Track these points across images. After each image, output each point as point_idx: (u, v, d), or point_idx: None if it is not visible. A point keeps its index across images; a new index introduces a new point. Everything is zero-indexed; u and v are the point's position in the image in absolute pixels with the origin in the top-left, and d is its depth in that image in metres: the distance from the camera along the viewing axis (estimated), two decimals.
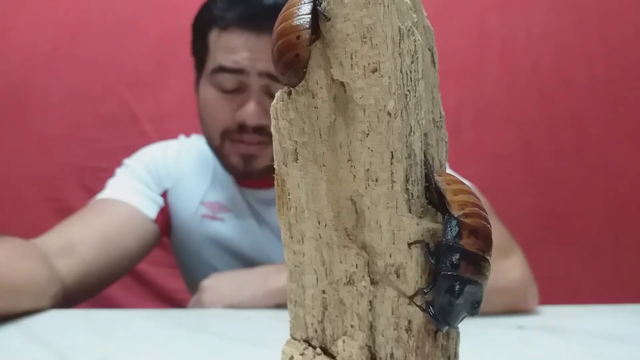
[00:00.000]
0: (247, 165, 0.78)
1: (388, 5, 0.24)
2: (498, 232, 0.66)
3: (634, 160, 1.31)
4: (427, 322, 0.26)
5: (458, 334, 0.28)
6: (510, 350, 0.50)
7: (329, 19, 0.24)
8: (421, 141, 0.27)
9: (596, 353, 0.49)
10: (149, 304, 1.20)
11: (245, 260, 0.83)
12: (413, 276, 0.26)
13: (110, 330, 0.56)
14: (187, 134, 0.95)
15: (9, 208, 1.21)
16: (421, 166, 0.27)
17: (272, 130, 0.28)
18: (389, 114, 0.25)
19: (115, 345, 0.49)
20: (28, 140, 1.23)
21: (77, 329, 0.55)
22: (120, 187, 0.83)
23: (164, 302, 1.21)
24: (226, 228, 0.85)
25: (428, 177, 0.27)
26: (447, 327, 0.26)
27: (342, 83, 0.25)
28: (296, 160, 0.27)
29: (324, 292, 0.29)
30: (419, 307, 0.26)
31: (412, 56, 0.26)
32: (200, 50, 0.80)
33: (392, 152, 0.25)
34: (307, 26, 0.24)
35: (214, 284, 0.70)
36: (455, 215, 0.25)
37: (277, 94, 0.27)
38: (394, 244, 0.26)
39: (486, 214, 0.26)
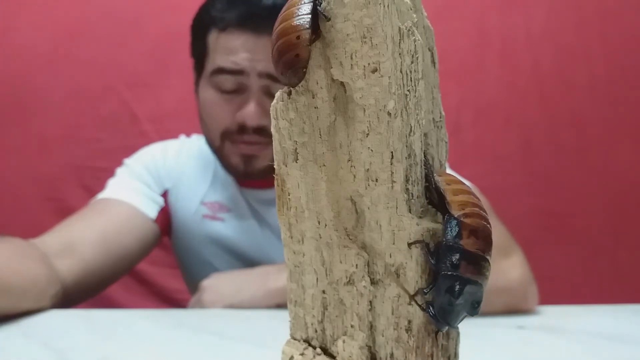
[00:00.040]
0: (248, 166, 0.78)
1: (388, 5, 0.24)
2: (498, 232, 0.66)
3: (634, 160, 1.31)
4: (427, 322, 0.26)
5: (458, 334, 0.28)
6: (510, 350, 0.50)
7: (329, 19, 0.24)
8: (421, 141, 0.27)
9: (596, 353, 0.49)
10: (149, 304, 1.20)
11: (245, 260, 0.83)
12: (413, 276, 0.26)
13: (110, 330, 0.56)
14: (188, 134, 0.95)
15: (9, 208, 1.21)
16: (421, 166, 0.27)
17: (272, 130, 0.28)
18: (389, 114, 0.25)
19: (115, 345, 0.49)
20: (28, 140, 1.23)
21: (77, 329, 0.55)
22: (121, 187, 0.83)
23: (164, 302, 1.21)
24: (226, 228, 0.85)
25: (428, 177, 0.27)
26: (447, 327, 0.26)
27: (342, 83, 0.25)
28: (296, 160, 0.27)
29: (324, 292, 0.29)
30: (420, 306, 0.26)
31: (412, 56, 0.26)
32: (199, 51, 0.80)
33: (392, 152, 0.25)
34: (307, 26, 0.24)
35: (214, 284, 0.70)
36: (455, 215, 0.25)
37: (277, 94, 0.27)
38: (394, 244, 0.26)
39: (486, 214, 0.26)
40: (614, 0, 1.31)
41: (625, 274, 1.27)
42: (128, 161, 0.88)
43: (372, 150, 0.25)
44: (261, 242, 0.84)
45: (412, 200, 0.26)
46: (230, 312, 0.66)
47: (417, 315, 0.26)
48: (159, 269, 1.19)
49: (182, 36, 0.83)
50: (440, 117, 0.29)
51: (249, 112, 0.75)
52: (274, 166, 0.29)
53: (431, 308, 0.25)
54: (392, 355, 0.27)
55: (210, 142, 0.82)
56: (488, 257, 0.25)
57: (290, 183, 0.28)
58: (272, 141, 0.28)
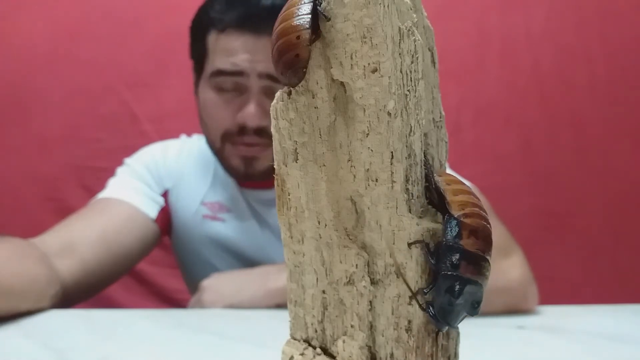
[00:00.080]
0: (248, 167, 0.78)
1: (388, 5, 0.24)
2: (498, 232, 0.66)
3: (634, 160, 1.31)
4: (427, 322, 0.26)
5: (458, 334, 0.28)
6: (510, 350, 0.50)
7: (329, 19, 0.24)
8: (421, 141, 0.27)
9: (596, 353, 0.49)
10: (149, 304, 1.20)
11: (245, 261, 0.83)
12: (413, 276, 0.26)
13: (110, 330, 0.56)
14: (188, 134, 0.95)
15: (9, 208, 1.21)
16: (421, 166, 0.27)
17: (272, 130, 0.28)
18: (389, 114, 0.25)
19: (115, 345, 0.49)
20: (28, 140, 1.23)
21: (77, 329, 0.55)
22: (121, 187, 0.83)
23: (164, 302, 1.21)
24: (226, 228, 0.85)
25: (428, 177, 0.27)
26: (447, 327, 0.26)
27: (342, 83, 0.25)
28: (296, 160, 0.27)
29: (324, 292, 0.29)
30: (420, 306, 0.26)
31: (412, 56, 0.26)
32: (198, 52, 0.80)
33: (392, 152, 0.25)
34: (307, 26, 0.24)
35: (214, 284, 0.70)
36: (455, 216, 0.25)
37: (277, 94, 0.28)
38: (394, 244, 0.26)
39: (486, 214, 0.26)
40: (614, 0, 1.31)
41: (625, 274, 1.27)
42: (129, 161, 0.88)
43: (372, 150, 0.25)
44: (261, 242, 0.84)
45: (412, 200, 0.26)
46: (230, 312, 0.66)
47: (417, 315, 0.26)
48: (159, 269, 1.19)
49: (182, 36, 0.83)
50: (440, 117, 0.29)
51: (249, 113, 0.75)
52: (274, 166, 0.29)
53: (431, 308, 0.25)
54: (392, 355, 0.27)
55: (210, 144, 0.82)
56: (488, 257, 0.25)
57: (290, 183, 0.28)
58: (272, 142, 0.28)
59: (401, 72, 0.26)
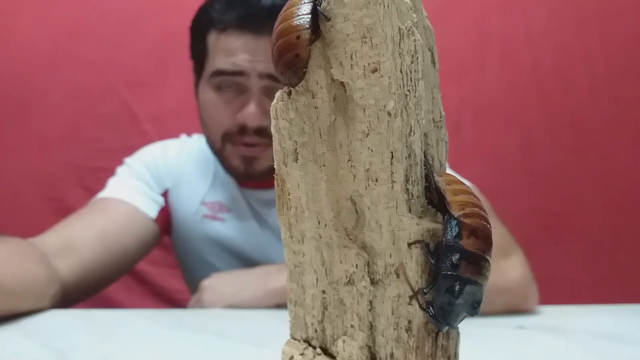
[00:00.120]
0: (249, 167, 0.78)
1: (388, 5, 0.24)
2: (498, 232, 0.66)
3: (634, 160, 1.31)
4: (427, 322, 0.26)
5: (458, 334, 0.28)
6: (510, 350, 0.50)
7: (329, 19, 0.24)
8: (421, 141, 0.27)
9: (596, 353, 0.49)
10: (149, 304, 1.20)
11: (245, 261, 0.83)
12: (413, 276, 0.26)
13: (110, 330, 0.56)
14: (188, 134, 0.95)
15: (9, 208, 1.21)
16: (421, 166, 0.27)
17: (272, 130, 0.28)
18: (389, 114, 0.25)
19: (115, 345, 0.49)
20: (28, 140, 1.23)
21: (77, 329, 0.55)
22: (121, 186, 0.83)
23: (164, 302, 1.21)
24: (226, 228, 0.85)
25: (428, 177, 0.27)
26: (447, 327, 0.26)
27: (342, 83, 0.25)
28: (296, 160, 0.27)
29: (324, 292, 0.29)
30: (420, 306, 0.26)
31: (412, 56, 0.26)
32: (199, 52, 0.80)
33: (392, 152, 0.25)
34: (307, 26, 0.24)
35: (214, 284, 0.70)
36: (455, 216, 0.25)
37: (277, 94, 0.27)
38: (394, 244, 0.26)
39: (486, 214, 0.26)
40: (614, 0, 1.31)
41: (625, 274, 1.27)
42: (129, 160, 0.88)
43: (372, 150, 0.25)
44: (261, 242, 0.84)
45: (412, 200, 0.26)
46: (230, 312, 0.66)
47: (417, 315, 0.26)
48: (159, 269, 1.19)
49: (182, 36, 0.83)
50: (440, 117, 0.29)
51: (250, 113, 0.75)
52: (274, 166, 0.29)
53: (431, 308, 0.25)
54: (392, 355, 0.27)
55: (211, 144, 0.82)
56: (488, 257, 0.25)
57: (290, 183, 0.28)
58: (272, 142, 0.28)
59: (401, 72, 0.26)
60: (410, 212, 0.26)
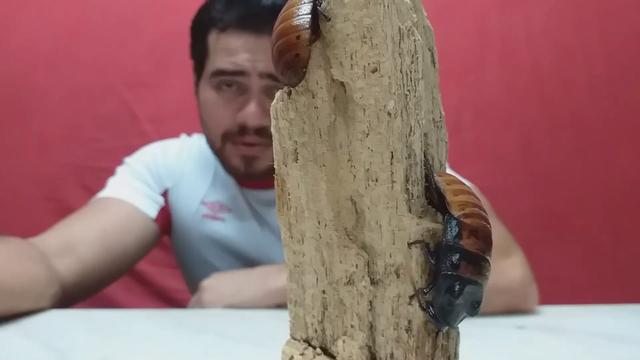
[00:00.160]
0: (249, 167, 0.78)
1: (388, 5, 0.24)
2: (498, 232, 0.66)
3: (634, 160, 1.31)
4: (427, 322, 0.26)
5: (458, 334, 0.28)
6: (510, 350, 0.50)
7: (329, 19, 0.24)
8: (421, 141, 0.27)
9: (596, 353, 0.49)
10: (149, 304, 1.20)
11: (245, 260, 0.83)
12: (413, 276, 0.26)
13: (110, 330, 0.56)
14: (188, 134, 0.95)
15: (9, 208, 1.21)
16: (421, 166, 0.27)
17: (272, 130, 0.28)
18: (389, 114, 0.25)
19: (115, 345, 0.49)
20: (28, 140, 1.23)
21: (77, 329, 0.55)
22: (121, 186, 0.83)
23: (164, 302, 1.21)
24: (227, 228, 0.85)
25: (428, 177, 0.27)
26: (447, 327, 0.26)
27: (342, 83, 0.25)
28: (296, 160, 0.27)
29: (324, 292, 0.29)
30: (420, 306, 0.26)
31: (412, 56, 0.26)
32: (199, 52, 0.80)
33: (392, 152, 0.25)
34: (307, 26, 0.24)
35: (214, 284, 0.70)
36: (455, 216, 0.25)
37: (277, 94, 0.27)
38: (394, 244, 0.26)
39: (486, 214, 0.26)
40: (614, 0, 1.31)
41: (625, 274, 1.27)
42: (129, 160, 0.88)
43: (372, 150, 0.25)
44: (261, 242, 0.84)
45: (412, 200, 0.26)
46: (230, 312, 0.66)
47: (417, 315, 0.26)
48: (159, 269, 1.19)
49: (182, 36, 0.83)
50: (440, 117, 0.29)
51: (250, 113, 0.75)
52: (274, 166, 0.29)
53: (431, 308, 0.25)
54: (392, 355, 0.27)
55: (211, 144, 0.82)
56: (488, 257, 0.25)
57: (290, 183, 0.28)
58: (272, 142, 0.28)
59: (401, 72, 0.26)
60: (410, 212, 0.26)
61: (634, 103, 1.31)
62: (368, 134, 0.25)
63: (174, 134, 0.97)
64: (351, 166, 0.26)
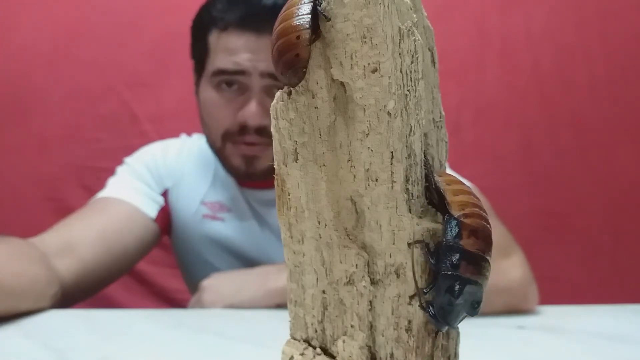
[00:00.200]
0: (249, 167, 0.78)
1: (388, 5, 0.24)
2: (498, 232, 0.66)
3: (634, 160, 1.31)
4: (427, 322, 0.26)
5: (458, 334, 0.28)
6: (510, 350, 0.50)
7: (329, 19, 0.24)
8: (421, 141, 0.27)
9: (596, 353, 0.49)
10: (149, 304, 1.20)
11: (245, 260, 0.83)
12: (413, 276, 0.26)
13: (110, 330, 0.56)
14: (188, 134, 0.95)
15: (9, 208, 1.21)
16: (421, 166, 0.27)
17: (272, 130, 0.28)
18: (389, 114, 0.25)
19: (115, 345, 0.49)
20: (28, 140, 1.23)
21: (77, 329, 0.55)
22: (121, 186, 0.83)
23: (164, 302, 1.21)
24: (226, 228, 0.85)
25: (428, 177, 0.27)
26: (446, 327, 0.26)
27: (342, 83, 0.25)
28: (296, 160, 0.27)
29: (324, 292, 0.29)
30: (420, 306, 0.26)
31: (412, 56, 0.26)
32: (200, 52, 0.80)
33: (392, 152, 0.25)
34: (307, 26, 0.24)
35: (214, 284, 0.70)
36: (455, 216, 0.25)
37: (277, 94, 0.28)
38: (394, 244, 0.26)
39: (486, 214, 0.26)
40: (614, 0, 1.31)
41: (625, 274, 1.27)
42: (129, 160, 0.88)
43: (372, 150, 0.25)
44: (261, 242, 0.84)
45: (412, 200, 0.26)
46: (230, 312, 0.66)
47: (417, 315, 0.26)
48: (159, 269, 1.19)
49: (182, 36, 0.83)
50: (440, 117, 0.29)
51: (251, 112, 0.75)
52: (274, 166, 0.29)
53: (431, 308, 0.25)
54: (392, 355, 0.27)
55: (211, 144, 0.82)
56: (488, 257, 0.25)
57: (290, 183, 0.28)
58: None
59: (401, 72, 0.26)
60: (410, 212, 0.26)
61: (634, 103, 1.31)
62: (368, 134, 0.25)
63: (174, 134, 0.97)
64: (351, 166, 0.26)
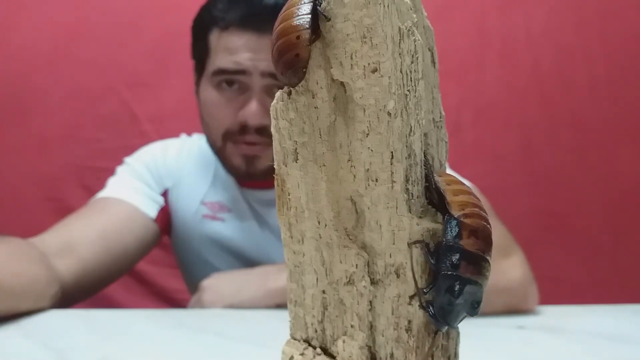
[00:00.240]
0: (250, 166, 0.78)
1: (388, 5, 0.24)
2: (498, 232, 0.66)
3: (634, 160, 1.31)
4: (427, 322, 0.26)
5: (458, 334, 0.28)
6: (510, 350, 0.50)
7: (329, 19, 0.24)
8: (421, 141, 0.27)
9: (596, 353, 0.49)
10: (149, 304, 1.20)
11: (245, 260, 0.83)
12: (413, 276, 0.26)
13: (110, 330, 0.56)
14: (188, 133, 0.95)
15: (9, 208, 1.21)
16: (421, 166, 0.27)
17: (272, 130, 0.28)
18: (389, 114, 0.25)
19: (115, 345, 0.49)
20: (28, 140, 1.23)
21: (77, 329, 0.55)
22: (121, 186, 0.83)
23: (164, 302, 1.21)
24: (226, 228, 0.85)
25: (428, 177, 0.27)
26: (446, 327, 0.26)
27: (342, 83, 0.25)
28: (296, 160, 0.27)
29: (324, 292, 0.29)
30: (420, 306, 0.26)
31: (412, 56, 0.26)
32: (200, 51, 0.80)
33: (392, 152, 0.25)
34: (307, 26, 0.24)
35: (214, 284, 0.70)
36: (455, 216, 0.25)
37: (277, 94, 0.28)
38: (394, 244, 0.26)
39: (486, 214, 0.26)
40: (614, 0, 1.31)
41: (625, 274, 1.27)
42: (129, 160, 0.88)
43: (372, 150, 0.25)
44: (261, 242, 0.84)
45: (412, 200, 0.26)
46: (230, 312, 0.66)
47: (417, 315, 0.26)
48: (159, 269, 1.19)
49: (182, 36, 0.83)
50: (440, 117, 0.29)
51: (251, 111, 0.75)
52: (274, 166, 0.29)
53: (431, 308, 0.25)
54: (392, 355, 0.27)
55: (211, 143, 0.82)
56: (488, 257, 0.25)
57: (290, 183, 0.28)
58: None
59: (401, 72, 0.26)
60: (410, 212, 0.26)
61: (634, 103, 1.31)
62: (368, 134, 0.25)
63: (174, 134, 0.97)
64: (351, 166, 0.26)
